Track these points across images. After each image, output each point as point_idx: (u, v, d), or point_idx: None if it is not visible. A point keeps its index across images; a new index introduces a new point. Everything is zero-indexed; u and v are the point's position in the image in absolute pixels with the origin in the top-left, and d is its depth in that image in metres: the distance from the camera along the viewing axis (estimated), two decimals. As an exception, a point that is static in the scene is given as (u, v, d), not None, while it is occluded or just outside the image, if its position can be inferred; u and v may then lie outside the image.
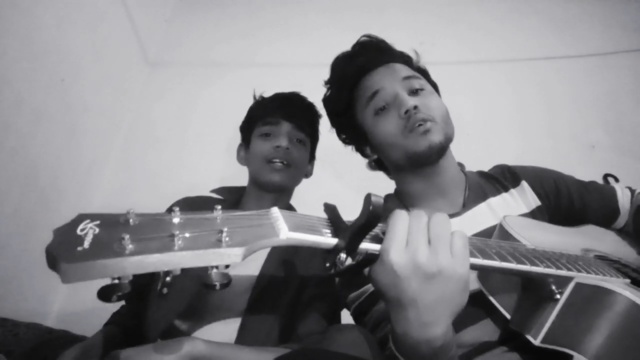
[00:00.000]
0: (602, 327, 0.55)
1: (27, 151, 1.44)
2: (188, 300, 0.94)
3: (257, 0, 2.30)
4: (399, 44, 1.01)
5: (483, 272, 0.71)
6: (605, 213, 0.92)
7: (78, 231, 0.32)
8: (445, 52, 1.91)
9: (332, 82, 1.01)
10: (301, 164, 1.13)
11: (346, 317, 0.92)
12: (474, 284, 0.76)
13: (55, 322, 1.50)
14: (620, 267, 0.72)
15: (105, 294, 0.32)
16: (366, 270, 0.48)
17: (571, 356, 0.55)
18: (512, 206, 0.89)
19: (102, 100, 1.83)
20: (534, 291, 0.62)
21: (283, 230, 0.40)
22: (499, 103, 1.90)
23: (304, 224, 0.43)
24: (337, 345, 0.65)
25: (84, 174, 1.75)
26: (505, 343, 0.72)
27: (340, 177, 1.70)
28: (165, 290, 0.35)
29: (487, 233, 0.81)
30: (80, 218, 0.34)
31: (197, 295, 0.95)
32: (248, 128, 1.17)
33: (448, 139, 0.86)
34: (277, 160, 1.06)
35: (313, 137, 1.19)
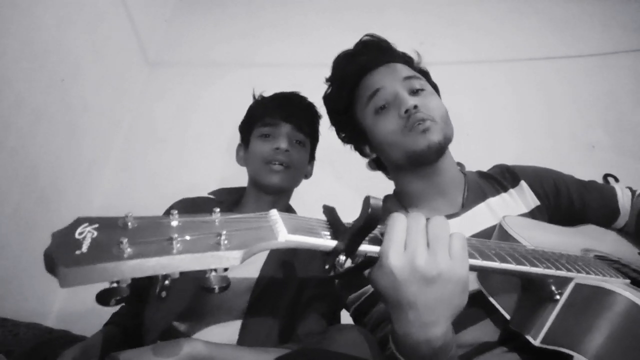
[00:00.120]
0: (602, 328, 0.55)
1: (27, 151, 1.44)
2: (187, 302, 0.94)
3: (257, 0, 2.30)
4: (399, 44, 1.01)
5: (483, 273, 0.71)
6: (605, 213, 0.92)
7: (76, 235, 0.32)
8: (445, 52, 1.91)
9: (333, 80, 1.02)
10: (301, 165, 1.12)
11: (346, 317, 0.92)
12: (474, 285, 0.76)
13: (55, 322, 1.50)
14: (620, 267, 0.72)
15: (103, 297, 0.32)
16: (366, 272, 0.48)
17: (571, 356, 0.55)
18: (512, 206, 0.89)
19: (102, 100, 1.83)
20: (533, 292, 0.62)
21: (282, 232, 0.40)
22: (499, 103, 1.90)
23: (302, 226, 0.43)
24: (337, 345, 0.65)
25: (84, 174, 1.75)
26: (505, 343, 0.72)
27: (339, 178, 1.70)
28: (164, 293, 0.35)
29: (486, 233, 0.81)
30: (79, 222, 0.34)
31: (197, 297, 0.95)
32: (247, 128, 1.17)
33: (447, 139, 0.86)
34: (277, 162, 1.06)
35: (313, 137, 1.18)
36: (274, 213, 0.43)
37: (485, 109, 1.87)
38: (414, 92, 0.88)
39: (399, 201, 0.95)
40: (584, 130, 1.83)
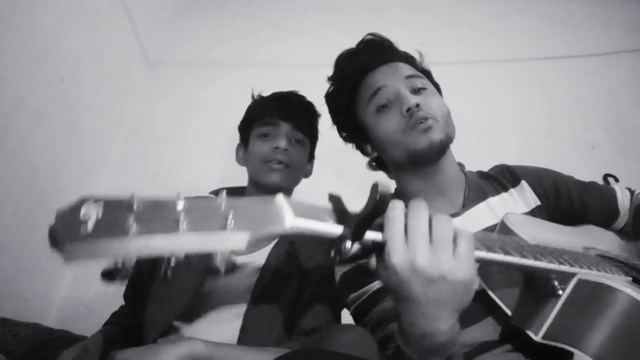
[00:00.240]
0: (603, 325, 0.55)
1: (27, 151, 1.44)
2: (187, 302, 0.94)
3: (257, 0, 2.30)
4: (399, 44, 1.02)
5: (484, 268, 0.70)
6: (605, 214, 0.92)
7: (81, 212, 0.32)
8: (445, 52, 1.91)
9: (335, 79, 1.02)
10: (300, 164, 1.12)
11: (346, 317, 0.92)
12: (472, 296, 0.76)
13: (55, 322, 1.50)
14: (621, 266, 0.72)
15: (108, 275, 0.32)
16: (371, 263, 0.48)
17: (571, 356, 0.55)
18: (512, 206, 0.89)
19: (102, 100, 1.83)
20: (535, 287, 0.62)
21: (288, 217, 0.39)
22: (499, 103, 1.90)
23: (309, 212, 0.42)
24: (337, 345, 0.65)
25: (84, 174, 1.75)
26: (505, 343, 0.72)
27: (340, 177, 1.70)
28: (169, 273, 0.34)
29: (486, 233, 0.81)
30: (83, 200, 0.33)
31: (197, 297, 0.95)
32: (246, 128, 1.17)
33: (449, 139, 0.86)
34: (276, 161, 1.06)
35: (312, 136, 1.18)
36: (281, 198, 0.42)
37: (485, 109, 1.87)
38: (416, 91, 0.88)
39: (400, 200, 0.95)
40: (584, 130, 1.82)
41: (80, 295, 1.64)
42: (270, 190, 1.09)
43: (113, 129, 1.94)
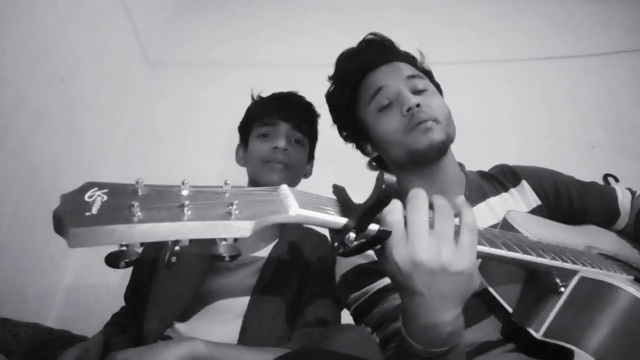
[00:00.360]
0: (605, 323, 0.55)
1: (27, 151, 1.44)
2: (187, 302, 0.94)
3: (257, 0, 2.30)
4: (399, 44, 1.02)
5: (485, 265, 0.70)
6: (606, 214, 0.92)
7: (86, 197, 0.32)
8: (445, 52, 1.91)
9: (336, 78, 1.02)
10: (300, 164, 1.12)
11: (346, 317, 0.92)
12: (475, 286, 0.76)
13: (55, 322, 1.50)
14: (622, 265, 0.72)
15: (113, 260, 0.32)
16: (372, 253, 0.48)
17: (572, 354, 0.55)
18: (512, 206, 0.89)
19: (102, 100, 1.83)
20: (537, 284, 0.62)
21: (293, 206, 0.39)
22: (499, 103, 1.90)
23: (313, 202, 0.42)
24: (337, 345, 0.65)
25: (84, 174, 1.75)
26: (505, 343, 0.72)
27: (339, 177, 1.70)
28: (174, 259, 0.34)
29: (487, 233, 0.81)
30: (88, 185, 0.33)
31: (197, 297, 0.95)
32: (246, 128, 1.17)
33: (449, 139, 0.86)
34: (275, 162, 1.06)
35: (311, 136, 1.18)
36: (285, 188, 0.42)
37: (485, 109, 1.86)
38: (417, 92, 0.88)
39: (400, 199, 0.95)
40: (584, 130, 1.82)
41: (80, 295, 1.64)
42: (270, 190, 1.09)
43: (113, 129, 1.94)
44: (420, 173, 0.89)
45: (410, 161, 0.87)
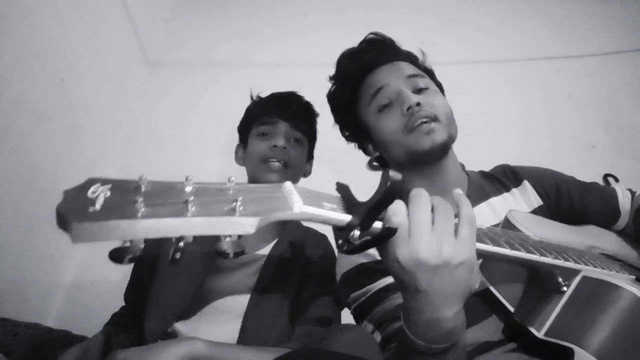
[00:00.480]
0: (607, 323, 0.54)
1: (27, 151, 1.44)
2: (187, 302, 0.94)
3: (257, 0, 2.30)
4: (399, 44, 1.01)
5: (487, 264, 0.70)
6: (606, 214, 0.92)
7: (89, 193, 0.31)
8: (445, 52, 1.91)
9: (337, 78, 1.02)
10: (299, 163, 1.12)
11: (346, 317, 0.92)
12: (475, 284, 0.76)
13: (55, 322, 1.50)
14: (623, 265, 0.72)
15: (116, 255, 0.32)
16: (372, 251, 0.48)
17: (572, 354, 0.55)
18: (513, 206, 0.89)
19: (102, 100, 1.83)
20: (539, 283, 0.62)
21: (297, 203, 0.39)
22: (499, 103, 1.90)
23: (317, 199, 0.42)
24: (337, 345, 0.65)
25: (84, 174, 1.73)
26: (506, 343, 0.72)
27: (339, 177, 1.69)
28: (178, 255, 0.34)
29: (487, 233, 0.81)
30: (91, 181, 0.33)
31: (197, 297, 0.95)
32: (245, 128, 1.17)
33: (451, 138, 0.86)
34: (275, 160, 1.06)
35: (311, 136, 1.19)
36: (289, 185, 0.42)
37: (485, 109, 1.86)
38: (418, 91, 0.88)
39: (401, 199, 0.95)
40: (584, 130, 1.82)
41: (80, 295, 1.64)
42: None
43: (113, 129, 1.94)
44: (422, 173, 0.89)
45: (411, 161, 0.87)
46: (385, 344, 0.73)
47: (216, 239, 0.35)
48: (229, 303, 0.95)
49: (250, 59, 2.12)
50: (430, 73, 0.99)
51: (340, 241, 0.43)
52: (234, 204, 0.35)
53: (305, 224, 1.14)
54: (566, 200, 0.91)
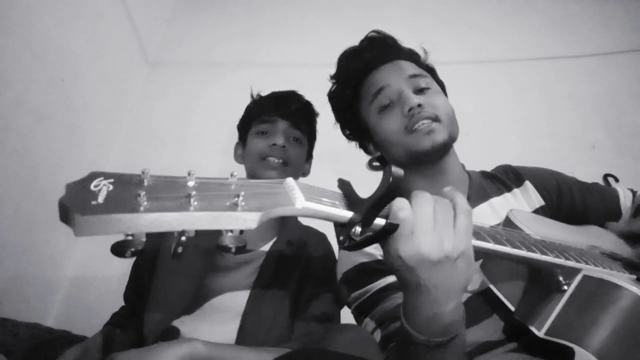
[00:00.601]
0: (607, 322, 0.54)
1: (27, 151, 1.44)
2: (187, 302, 0.94)
3: (257, 0, 2.30)
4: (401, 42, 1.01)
5: (488, 264, 0.70)
6: (607, 215, 0.92)
7: (92, 187, 0.31)
8: (445, 52, 1.90)
9: (338, 77, 1.01)
10: (298, 162, 1.12)
11: (346, 317, 0.92)
12: (475, 284, 0.76)
13: (55, 322, 1.50)
14: (624, 265, 0.72)
15: (119, 249, 0.32)
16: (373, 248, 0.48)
17: (572, 355, 0.55)
18: (514, 206, 0.89)
19: (102, 100, 1.83)
20: (540, 282, 0.62)
21: (299, 199, 0.39)
22: (499, 103, 1.90)
23: (319, 195, 0.42)
24: (337, 345, 0.65)
25: (84, 174, 1.74)
26: (507, 342, 0.72)
27: (339, 176, 1.70)
28: (180, 249, 0.34)
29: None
30: (94, 175, 0.33)
31: (197, 297, 0.95)
32: (245, 126, 1.17)
33: (452, 139, 0.86)
34: (273, 158, 1.06)
35: (310, 135, 1.18)
36: (291, 180, 0.42)
37: (485, 109, 1.87)
38: (419, 91, 0.87)
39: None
40: (584, 130, 1.83)
41: (80, 295, 1.64)
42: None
43: (113, 129, 1.94)
44: (423, 173, 0.89)
45: (411, 161, 0.86)
46: (386, 344, 0.73)
47: (218, 234, 0.35)
48: (228, 302, 0.95)
49: (250, 59, 2.12)
50: (432, 71, 0.99)
51: (341, 237, 0.43)
52: (236, 199, 0.35)
53: (305, 222, 1.14)
54: (568, 200, 0.91)
